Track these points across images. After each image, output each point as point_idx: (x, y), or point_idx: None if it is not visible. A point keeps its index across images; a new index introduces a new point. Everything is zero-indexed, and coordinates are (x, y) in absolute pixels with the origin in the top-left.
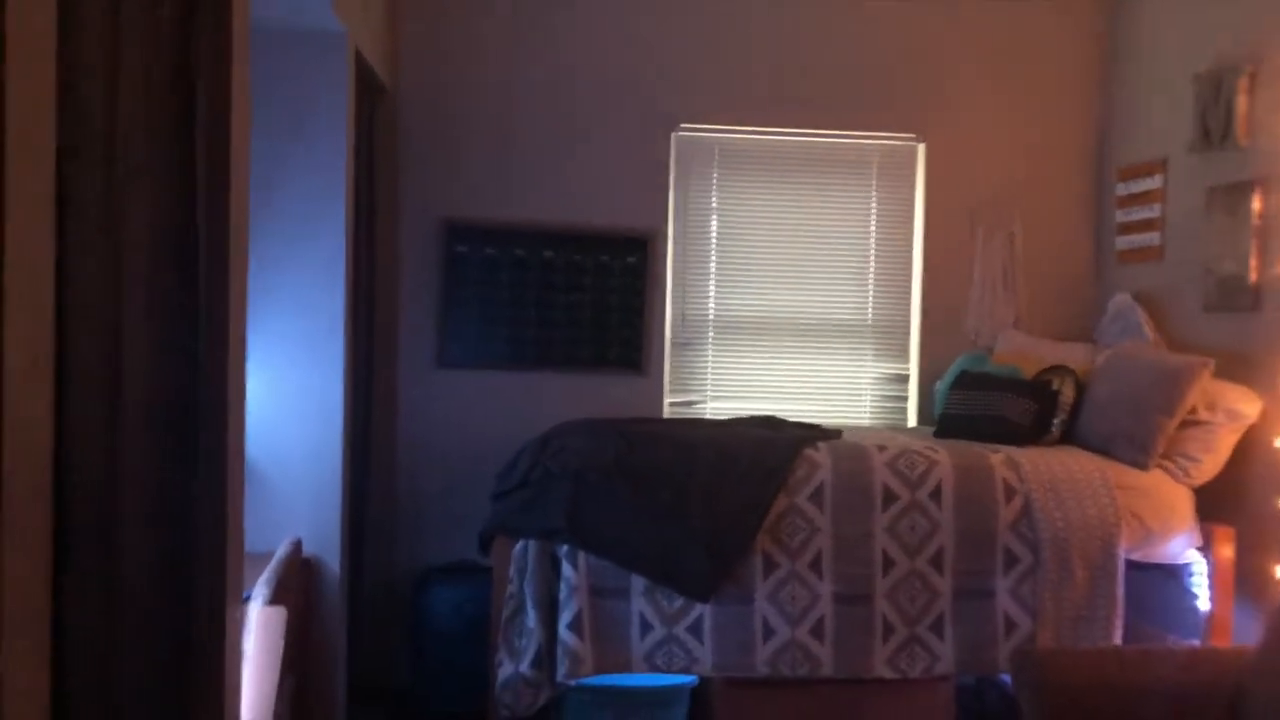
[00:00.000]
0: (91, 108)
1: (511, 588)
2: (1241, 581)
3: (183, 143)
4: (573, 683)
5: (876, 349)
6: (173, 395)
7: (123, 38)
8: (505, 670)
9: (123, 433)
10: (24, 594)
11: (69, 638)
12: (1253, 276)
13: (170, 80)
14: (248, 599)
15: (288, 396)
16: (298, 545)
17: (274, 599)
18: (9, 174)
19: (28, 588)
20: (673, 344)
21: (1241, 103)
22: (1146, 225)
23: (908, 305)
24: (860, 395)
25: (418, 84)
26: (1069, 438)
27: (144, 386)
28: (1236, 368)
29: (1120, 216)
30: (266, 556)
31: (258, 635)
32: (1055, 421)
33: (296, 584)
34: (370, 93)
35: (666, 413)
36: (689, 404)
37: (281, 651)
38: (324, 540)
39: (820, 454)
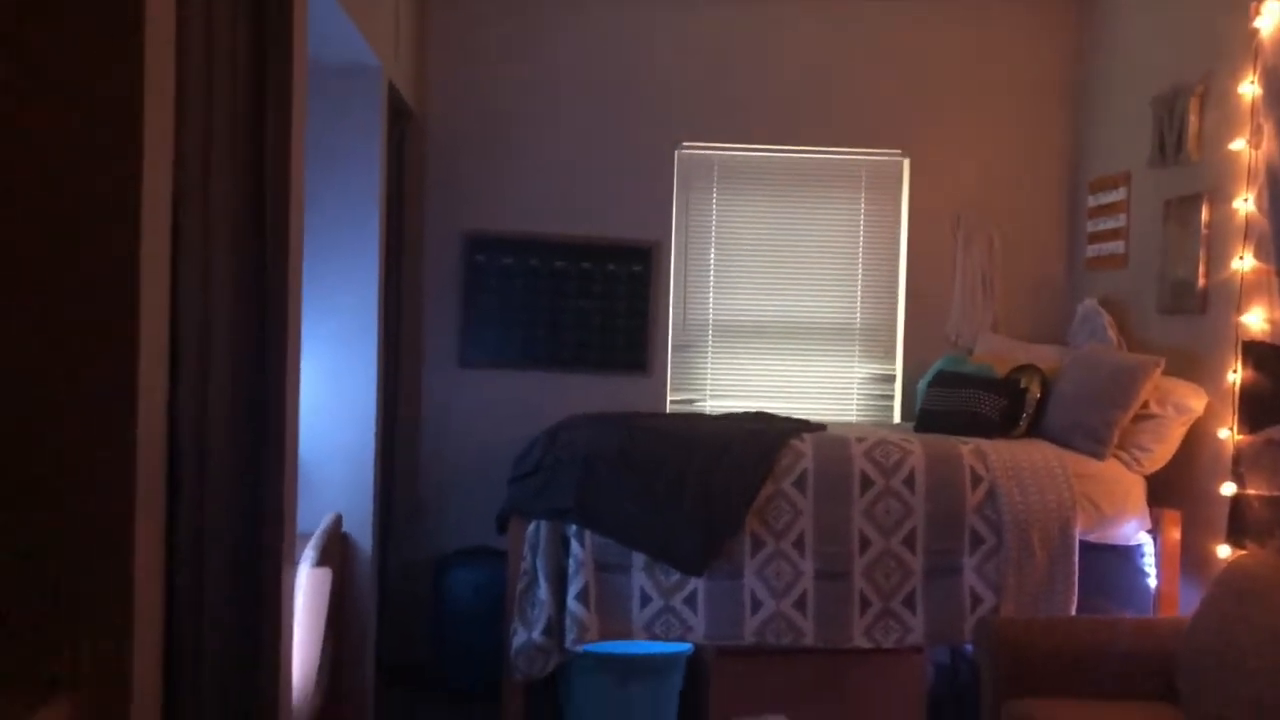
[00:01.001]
0: (193, 158)
1: (525, 564)
2: (1187, 561)
3: (255, 174)
4: (580, 649)
5: (864, 350)
6: (246, 390)
7: (215, 97)
8: (519, 638)
9: (212, 419)
10: (148, 552)
11: (176, 584)
12: (1201, 281)
13: (247, 117)
14: (298, 563)
15: (327, 392)
16: (338, 520)
17: (320, 563)
18: (144, 219)
19: (150, 545)
20: (674, 346)
21: (1192, 122)
22: (1112, 235)
23: (893, 309)
24: (848, 394)
25: (442, 109)
26: (1035, 431)
27: (228, 384)
28: (1186, 365)
29: (1090, 226)
30: (307, 536)
31: (307, 593)
32: (1023, 416)
33: (337, 555)
34: (400, 118)
35: (668, 410)
36: (689, 402)
37: (326, 610)
38: (358, 521)
39: (804, 444)
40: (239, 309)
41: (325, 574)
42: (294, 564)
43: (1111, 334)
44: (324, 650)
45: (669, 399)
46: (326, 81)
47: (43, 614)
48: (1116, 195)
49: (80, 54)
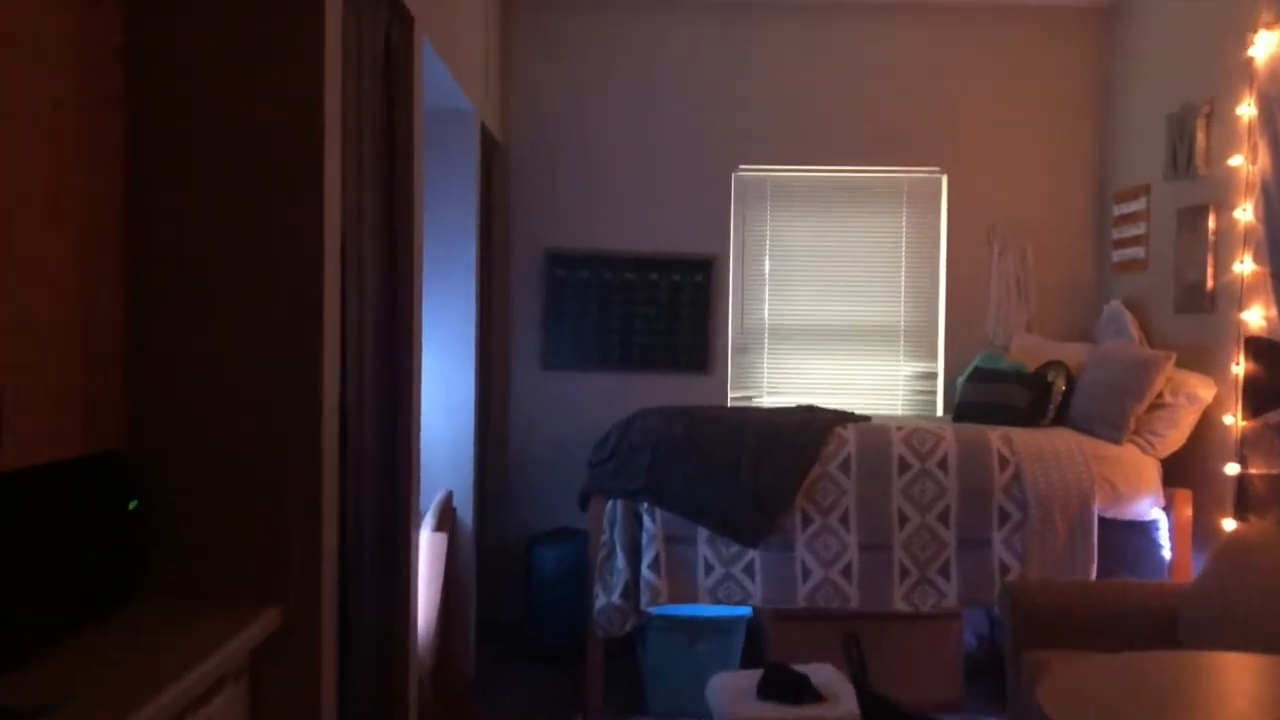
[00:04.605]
0: (350, 196)
1: (604, 537)
2: (1198, 535)
3: (389, 208)
4: (652, 610)
5: (907, 350)
6: (386, 385)
7: (365, 145)
8: (600, 601)
9: (365, 406)
10: (329, 507)
11: (344, 533)
12: (1209, 283)
13: (383, 157)
14: (421, 528)
15: (436, 388)
16: (450, 495)
17: (437, 528)
18: (325, 256)
19: (330, 504)
20: (734, 348)
21: (1200, 139)
22: (1135, 241)
23: (934, 312)
24: (894, 390)
25: (524, 141)
26: (1060, 420)
27: (373, 381)
28: (1197, 359)
29: (1115, 234)
30: (425, 508)
31: (428, 553)
32: (1049, 407)
33: (449, 524)
34: (488, 150)
35: (728, 405)
36: (747, 398)
37: (444, 569)
38: (461, 499)
39: (848, 432)
40: (380, 318)
41: (442, 538)
42: (419, 529)
43: (1134, 331)
44: (440, 602)
45: (729, 395)
46: (430, 123)
47: (261, 549)
48: (1138, 205)
49: (278, 116)
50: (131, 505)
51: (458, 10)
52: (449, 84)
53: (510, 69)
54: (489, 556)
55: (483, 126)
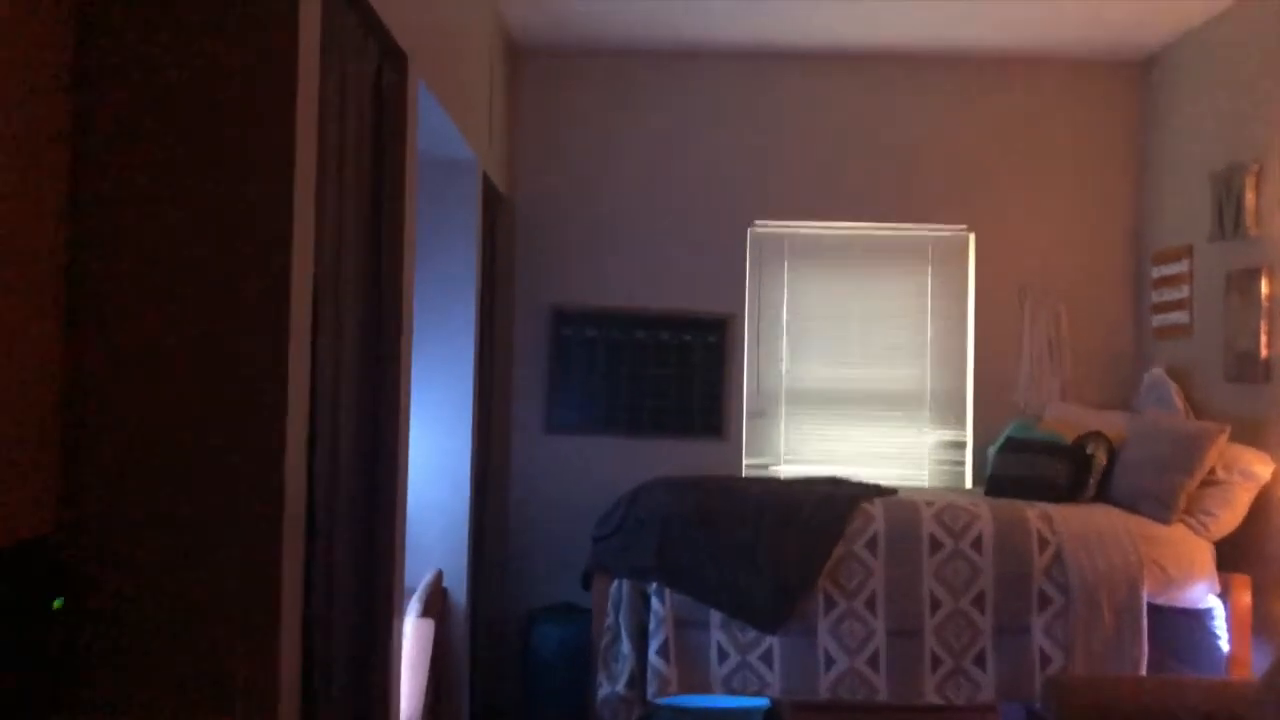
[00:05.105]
0: (329, 253)
1: (609, 620)
2: (1259, 624)
3: (374, 261)
4: (661, 701)
5: (934, 417)
6: (367, 463)
7: (345, 199)
8: (604, 690)
9: (340, 482)
10: (291, 579)
11: (311, 635)
12: (1263, 351)
13: (369, 208)
14: (405, 614)
15: (429, 456)
16: (439, 576)
17: (424, 615)
18: (294, 301)
19: (293, 572)
20: (749, 412)
21: (1249, 199)
22: (1177, 305)
23: (963, 378)
24: (920, 459)
25: (530, 194)
26: (1102, 496)
27: (350, 457)
28: (1252, 433)
29: (1155, 297)
30: (413, 589)
31: (412, 641)
32: (1089, 482)
33: (437, 607)
34: (492, 202)
35: (744, 474)
36: (764, 466)
37: (429, 658)
38: (454, 576)
39: (874, 508)
40: (360, 381)
41: (429, 625)
42: (402, 614)
43: (1178, 402)
44: (427, 693)
45: (744, 463)
46: (429, 173)
47: (207, 656)
48: (1179, 267)
49: (243, 162)
50: (56, 604)
51: (459, 53)
52: (449, 131)
53: (516, 118)
54: (484, 634)
55: (485, 177)
